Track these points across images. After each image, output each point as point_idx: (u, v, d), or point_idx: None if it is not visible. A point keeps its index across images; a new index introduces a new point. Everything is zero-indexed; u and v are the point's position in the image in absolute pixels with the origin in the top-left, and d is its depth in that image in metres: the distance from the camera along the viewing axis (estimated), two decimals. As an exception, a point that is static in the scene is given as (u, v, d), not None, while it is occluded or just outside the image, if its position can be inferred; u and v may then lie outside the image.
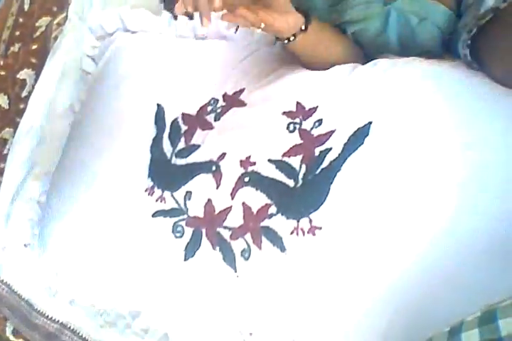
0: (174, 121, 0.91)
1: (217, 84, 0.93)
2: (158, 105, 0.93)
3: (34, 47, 1.33)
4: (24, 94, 1.31)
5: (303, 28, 0.82)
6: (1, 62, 1.33)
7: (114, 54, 1.05)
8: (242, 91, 0.91)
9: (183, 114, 0.91)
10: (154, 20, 1.05)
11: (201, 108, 0.90)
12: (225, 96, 0.91)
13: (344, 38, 0.92)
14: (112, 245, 0.90)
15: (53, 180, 0.99)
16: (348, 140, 0.79)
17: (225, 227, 0.82)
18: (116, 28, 1.09)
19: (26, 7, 1.38)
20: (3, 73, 1.33)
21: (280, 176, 0.81)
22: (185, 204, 0.85)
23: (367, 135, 0.79)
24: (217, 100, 0.91)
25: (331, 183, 0.78)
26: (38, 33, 1.34)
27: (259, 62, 0.95)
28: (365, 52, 0.93)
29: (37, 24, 1.36)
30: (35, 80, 1.31)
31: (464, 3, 0.88)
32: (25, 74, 1.33)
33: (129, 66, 0.99)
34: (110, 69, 1.02)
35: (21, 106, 1.29)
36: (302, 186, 0.79)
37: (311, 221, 0.77)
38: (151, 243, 0.86)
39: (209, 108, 0.90)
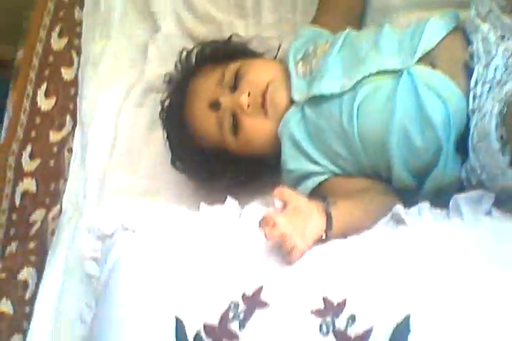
0: (197, 336, 0.85)
1: (232, 282, 0.88)
2: (177, 319, 0.87)
3: (32, 245, 1.28)
4: (28, 295, 1.25)
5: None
6: (0, 265, 1.28)
7: (118, 259, 1.00)
8: (261, 289, 0.86)
9: (205, 326, 0.85)
10: (152, 218, 1.01)
11: (222, 316, 0.85)
12: (244, 297, 0.86)
13: (372, 193, 0.95)
14: None
15: None
16: (390, 341, 0.73)
17: None
18: (115, 228, 1.04)
19: (17, 202, 1.34)
20: (3, 276, 1.28)
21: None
22: None
23: (409, 332, 0.73)
24: (238, 304, 0.85)
25: None
26: (33, 231, 1.29)
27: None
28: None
29: (31, 220, 1.32)
30: (38, 278, 1.26)
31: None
32: (26, 273, 1.27)
33: (135, 274, 0.95)
34: (116, 276, 0.97)
35: (27, 309, 1.23)
36: None
37: None
38: None
39: (230, 314, 0.85)
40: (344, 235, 0.88)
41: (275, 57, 1.16)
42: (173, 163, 1.15)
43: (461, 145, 0.90)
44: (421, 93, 0.90)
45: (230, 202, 1.02)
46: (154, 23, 1.31)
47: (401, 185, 0.96)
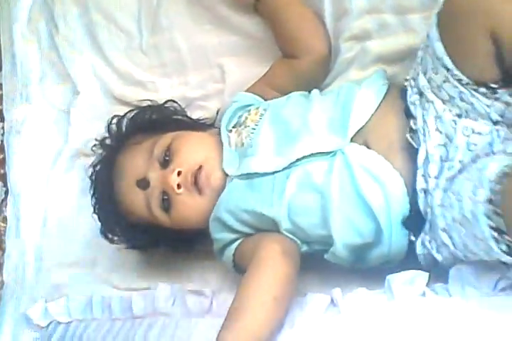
0: None
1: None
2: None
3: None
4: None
5: None
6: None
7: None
8: None
9: None
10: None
11: None
12: None
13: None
14: None
15: None
16: None
17: None
18: (49, 321, 1.06)
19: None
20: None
21: None
22: None
23: None
24: None
25: None
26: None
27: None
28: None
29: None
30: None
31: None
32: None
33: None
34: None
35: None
36: None
37: None
38: None
39: None
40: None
41: (213, 123, 1.13)
42: (102, 233, 1.10)
43: (411, 221, 0.87)
44: (356, 174, 0.87)
45: (163, 287, 1.01)
46: (74, 84, 1.24)
47: (336, 260, 0.93)
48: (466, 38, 0.76)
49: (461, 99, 0.82)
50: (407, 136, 0.87)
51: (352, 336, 0.82)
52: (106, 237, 1.11)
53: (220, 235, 1.01)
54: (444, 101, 0.84)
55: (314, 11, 1.05)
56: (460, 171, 0.81)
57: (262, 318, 0.85)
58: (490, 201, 0.72)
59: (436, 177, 0.84)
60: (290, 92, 1.04)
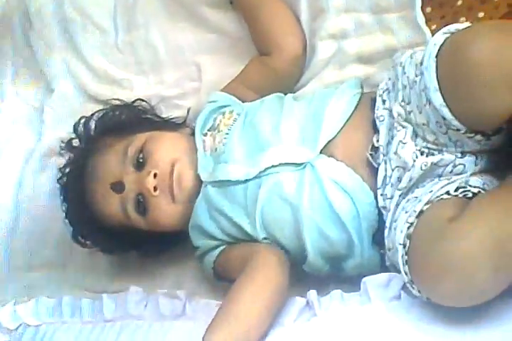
0: None
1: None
2: None
3: None
4: None
5: None
6: None
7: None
8: None
9: None
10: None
11: None
12: None
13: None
14: None
15: None
16: None
17: None
18: (18, 324, 1.03)
19: None
20: None
21: None
22: None
23: None
24: None
25: None
26: None
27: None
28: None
29: None
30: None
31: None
32: None
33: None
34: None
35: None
36: None
37: None
38: None
39: None
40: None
41: (184, 120, 1.11)
42: (73, 237, 1.08)
43: (380, 234, 0.85)
44: (326, 188, 0.86)
45: (135, 290, 0.99)
46: (48, 82, 1.22)
47: (313, 271, 0.93)
48: (479, 92, 0.68)
49: (434, 143, 0.80)
50: (367, 154, 0.86)
51: (327, 339, 0.81)
52: (77, 242, 1.09)
53: (200, 242, 0.99)
54: (416, 136, 0.81)
55: (290, 9, 1.04)
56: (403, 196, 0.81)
57: (253, 326, 0.83)
58: (404, 246, 0.74)
59: (390, 199, 0.83)
60: (265, 91, 1.03)
